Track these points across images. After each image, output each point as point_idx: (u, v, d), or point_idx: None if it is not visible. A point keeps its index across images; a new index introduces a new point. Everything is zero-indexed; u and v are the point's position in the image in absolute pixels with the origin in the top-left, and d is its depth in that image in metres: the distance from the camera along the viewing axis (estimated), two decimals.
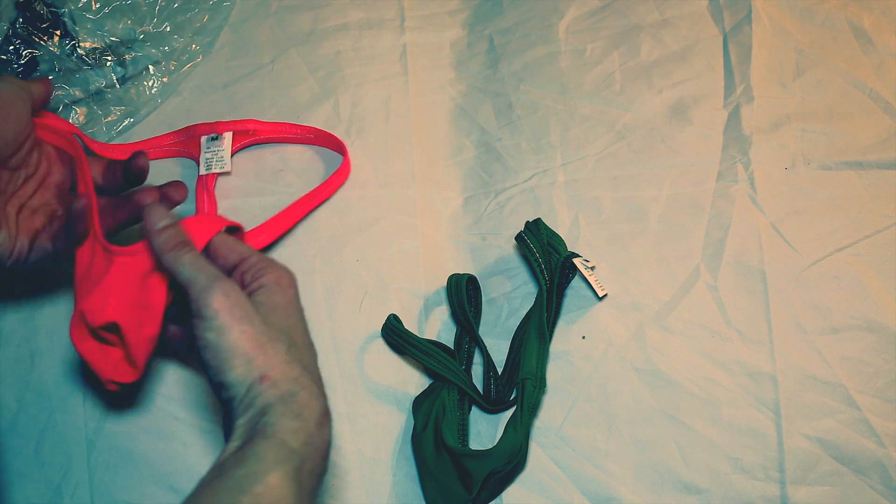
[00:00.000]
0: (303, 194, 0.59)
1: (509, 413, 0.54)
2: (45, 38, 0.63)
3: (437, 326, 0.58)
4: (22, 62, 0.62)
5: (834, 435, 0.53)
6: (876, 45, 0.62)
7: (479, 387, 0.56)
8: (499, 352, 0.57)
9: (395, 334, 0.56)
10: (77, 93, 0.63)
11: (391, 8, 0.67)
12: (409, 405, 0.56)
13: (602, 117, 0.62)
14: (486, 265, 0.60)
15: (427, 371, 0.57)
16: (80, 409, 0.56)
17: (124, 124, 0.63)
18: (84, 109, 0.63)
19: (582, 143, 0.62)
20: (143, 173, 0.50)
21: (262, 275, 0.41)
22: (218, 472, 0.35)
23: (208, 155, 0.61)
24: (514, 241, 0.58)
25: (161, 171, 0.62)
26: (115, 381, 0.46)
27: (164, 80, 0.64)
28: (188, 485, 0.39)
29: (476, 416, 0.56)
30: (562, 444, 0.54)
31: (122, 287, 0.43)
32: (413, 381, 0.57)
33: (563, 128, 0.62)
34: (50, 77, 0.61)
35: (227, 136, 0.61)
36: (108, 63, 0.64)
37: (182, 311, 0.42)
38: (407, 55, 0.65)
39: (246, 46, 0.66)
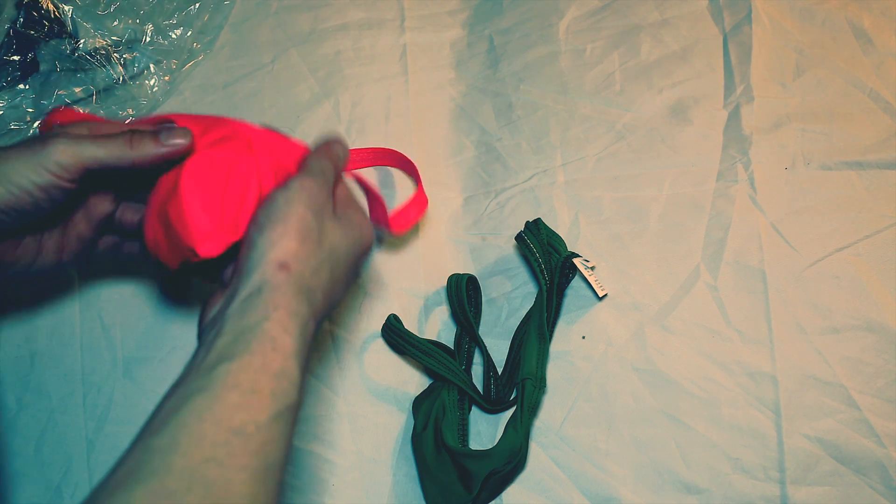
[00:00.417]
0: None
1: (509, 413, 0.54)
2: (47, 37, 0.63)
3: (437, 326, 0.58)
4: (23, 62, 0.63)
5: (834, 435, 0.53)
6: (876, 45, 0.62)
7: (479, 387, 0.57)
8: (499, 352, 0.57)
9: (395, 334, 0.56)
10: (79, 92, 0.63)
11: (391, 8, 0.67)
12: (409, 405, 0.56)
13: (602, 117, 0.62)
14: (486, 265, 0.60)
15: (427, 371, 0.57)
16: (80, 409, 0.56)
17: None
18: (86, 109, 0.63)
19: (582, 143, 0.62)
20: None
21: (353, 210, 0.43)
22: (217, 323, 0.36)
23: None
24: (514, 241, 0.58)
25: None
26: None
27: (166, 78, 0.64)
28: None
29: (476, 416, 0.56)
30: (562, 444, 0.54)
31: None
32: (413, 381, 0.57)
33: (563, 128, 0.62)
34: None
35: None
36: (110, 62, 0.64)
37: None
38: (407, 55, 0.65)
39: (246, 46, 0.66)
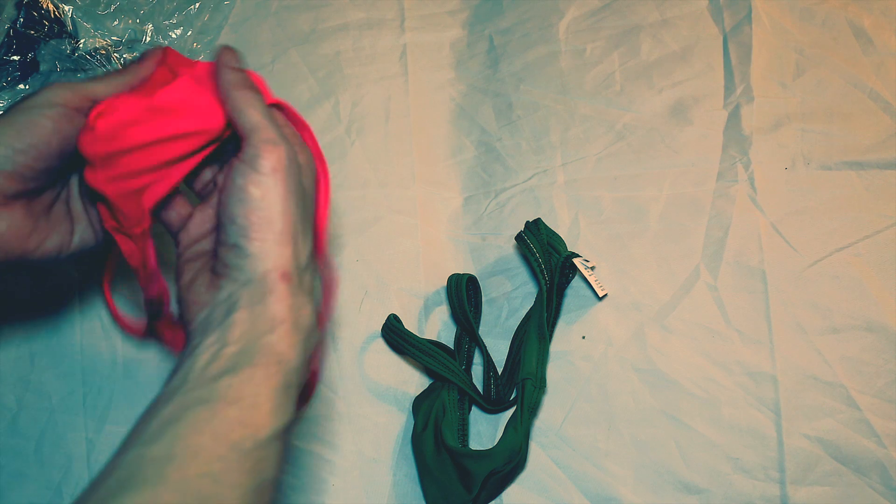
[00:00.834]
0: None
1: (509, 413, 0.54)
2: (47, 37, 0.63)
3: (437, 326, 0.58)
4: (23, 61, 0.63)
5: (834, 435, 0.53)
6: (876, 45, 0.62)
7: (479, 387, 0.57)
8: (499, 352, 0.57)
9: (395, 334, 0.56)
10: None
11: (391, 8, 0.67)
12: (409, 405, 0.56)
13: (602, 117, 0.62)
14: (486, 265, 0.60)
15: (427, 371, 0.57)
16: (80, 409, 0.56)
17: None
18: None
19: (582, 143, 0.62)
20: None
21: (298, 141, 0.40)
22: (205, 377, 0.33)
23: None
24: (514, 241, 0.58)
25: None
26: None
27: None
28: None
29: (476, 416, 0.56)
30: (562, 444, 0.54)
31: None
32: (413, 381, 0.57)
33: (563, 128, 0.62)
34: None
35: None
36: (110, 62, 0.64)
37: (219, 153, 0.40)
38: (407, 55, 0.65)
39: (246, 46, 0.66)
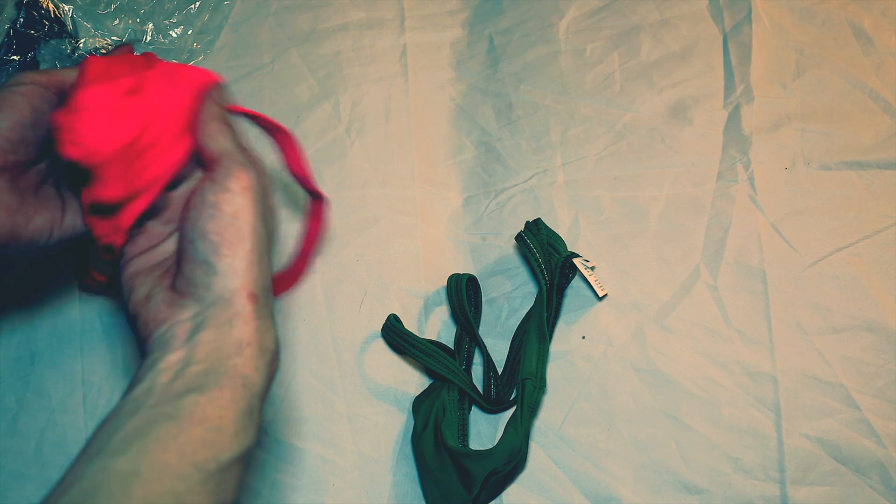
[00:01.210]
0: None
1: (509, 413, 0.54)
2: (47, 37, 0.63)
3: (437, 326, 0.58)
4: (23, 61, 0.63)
5: (834, 435, 0.53)
6: (876, 45, 0.62)
7: (479, 387, 0.57)
8: (499, 352, 0.57)
9: (395, 334, 0.56)
10: None
11: (391, 8, 0.67)
12: (409, 405, 0.56)
13: (602, 117, 0.62)
14: (486, 265, 0.60)
15: (427, 371, 0.57)
16: (80, 409, 0.56)
17: None
18: None
19: (582, 143, 0.62)
20: None
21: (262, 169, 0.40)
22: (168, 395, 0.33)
23: None
24: (514, 241, 0.58)
25: None
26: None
27: None
28: None
29: (476, 416, 0.56)
30: (562, 444, 0.54)
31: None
32: (413, 381, 0.57)
33: (563, 128, 0.62)
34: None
35: None
36: None
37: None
38: (407, 55, 0.65)
39: (246, 46, 0.66)
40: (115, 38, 0.64)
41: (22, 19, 0.63)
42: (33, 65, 0.63)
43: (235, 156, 0.38)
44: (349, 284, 0.59)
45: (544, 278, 0.55)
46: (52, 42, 0.63)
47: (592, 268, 0.57)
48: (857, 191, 0.59)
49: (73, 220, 0.43)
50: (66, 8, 0.63)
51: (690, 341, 0.56)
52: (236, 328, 0.35)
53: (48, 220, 0.42)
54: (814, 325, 0.56)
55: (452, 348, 0.57)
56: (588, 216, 0.60)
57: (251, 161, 0.39)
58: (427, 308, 0.59)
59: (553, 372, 0.56)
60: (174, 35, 0.65)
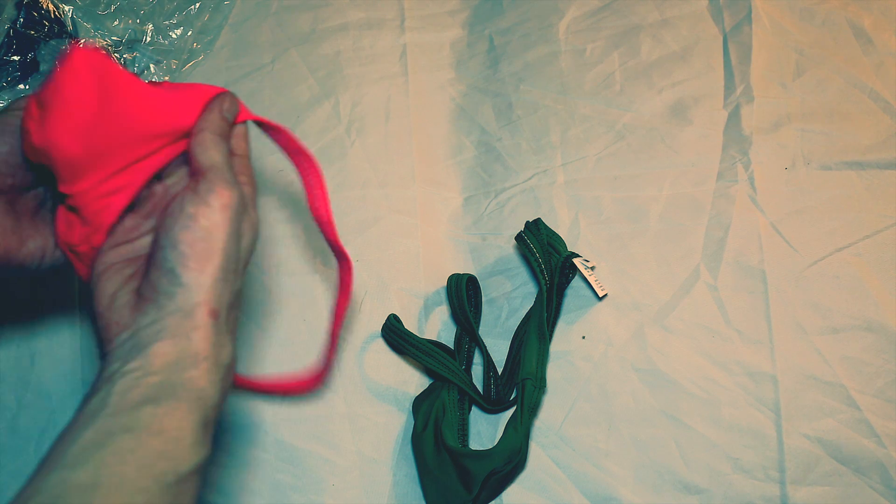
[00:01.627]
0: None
1: (509, 413, 0.54)
2: (47, 37, 0.63)
3: (437, 326, 0.58)
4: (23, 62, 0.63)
5: (834, 435, 0.53)
6: (876, 45, 0.62)
7: (479, 387, 0.57)
8: (499, 352, 0.57)
9: (395, 334, 0.56)
10: None
11: (391, 8, 0.67)
12: (409, 405, 0.56)
13: (602, 117, 0.62)
14: (486, 265, 0.60)
15: (427, 371, 0.57)
16: None
17: None
18: None
19: (582, 143, 0.62)
20: None
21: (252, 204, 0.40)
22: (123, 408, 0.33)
23: None
24: (514, 241, 0.58)
25: None
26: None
27: (166, 78, 0.64)
28: None
29: (476, 416, 0.56)
30: (562, 444, 0.54)
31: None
32: (413, 381, 0.57)
33: (563, 128, 0.62)
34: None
35: None
36: None
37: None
38: (407, 55, 0.65)
39: (246, 46, 0.66)
40: (115, 38, 0.64)
41: (22, 19, 0.63)
42: (33, 65, 0.63)
43: (222, 172, 0.38)
44: None
45: (544, 278, 0.55)
46: (52, 42, 0.63)
47: (592, 268, 0.57)
48: (857, 191, 0.59)
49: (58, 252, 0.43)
50: (66, 8, 0.63)
51: (690, 341, 0.56)
52: (194, 342, 0.35)
53: (40, 245, 0.42)
54: (814, 325, 0.55)
55: (452, 348, 0.57)
56: (588, 216, 0.60)
57: (238, 179, 0.38)
58: (427, 308, 0.59)
59: (553, 372, 0.56)
60: (174, 35, 0.65)
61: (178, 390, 0.34)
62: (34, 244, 0.42)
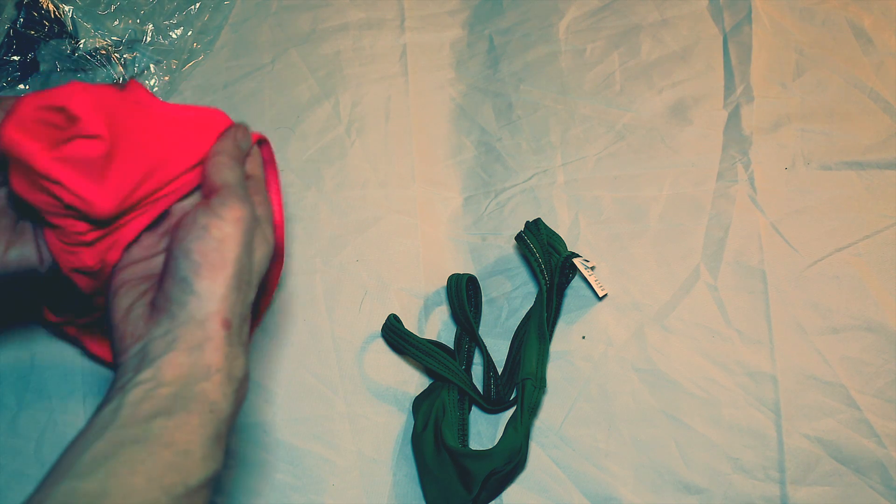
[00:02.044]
0: None
1: (509, 413, 0.54)
2: (47, 37, 0.63)
3: (437, 326, 0.58)
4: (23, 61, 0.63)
5: (834, 435, 0.53)
6: (876, 45, 0.62)
7: (479, 387, 0.57)
8: (499, 352, 0.57)
9: (395, 334, 0.56)
10: None
11: (391, 8, 0.67)
12: (409, 405, 0.56)
13: (602, 117, 0.62)
14: (486, 265, 0.60)
15: (427, 371, 0.57)
16: (80, 409, 0.56)
17: None
18: None
19: (582, 143, 0.62)
20: None
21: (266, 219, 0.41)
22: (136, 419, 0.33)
23: None
24: (514, 241, 0.58)
25: None
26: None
27: (166, 79, 0.64)
28: None
29: (476, 416, 0.56)
30: (562, 444, 0.54)
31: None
32: (413, 381, 0.57)
33: (563, 128, 0.62)
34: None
35: None
36: (110, 62, 0.64)
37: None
38: (407, 55, 0.65)
39: (246, 46, 0.66)
40: (115, 38, 0.64)
41: (22, 19, 0.63)
42: (33, 65, 0.63)
43: (236, 189, 0.38)
44: (349, 284, 0.59)
45: (544, 278, 0.55)
46: (52, 42, 0.63)
47: (592, 268, 0.57)
48: (857, 191, 0.59)
49: (20, 256, 0.42)
50: (66, 8, 0.63)
51: (690, 341, 0.56)
52: (207, 353, 0.35)
53: (22, 254, 0.42)
54: (814, 325, 0.56)
55: (452, 348, 0.57)
56: (588, 216, 0.60)
57: (250, 200, 0.39)
58: (427, 308, 0.59)
59: (553, 372, 0.56)
60: (174, 35, 0.65)
61: (190, 403, 0.34)
62: (15, 253, 0.41)
